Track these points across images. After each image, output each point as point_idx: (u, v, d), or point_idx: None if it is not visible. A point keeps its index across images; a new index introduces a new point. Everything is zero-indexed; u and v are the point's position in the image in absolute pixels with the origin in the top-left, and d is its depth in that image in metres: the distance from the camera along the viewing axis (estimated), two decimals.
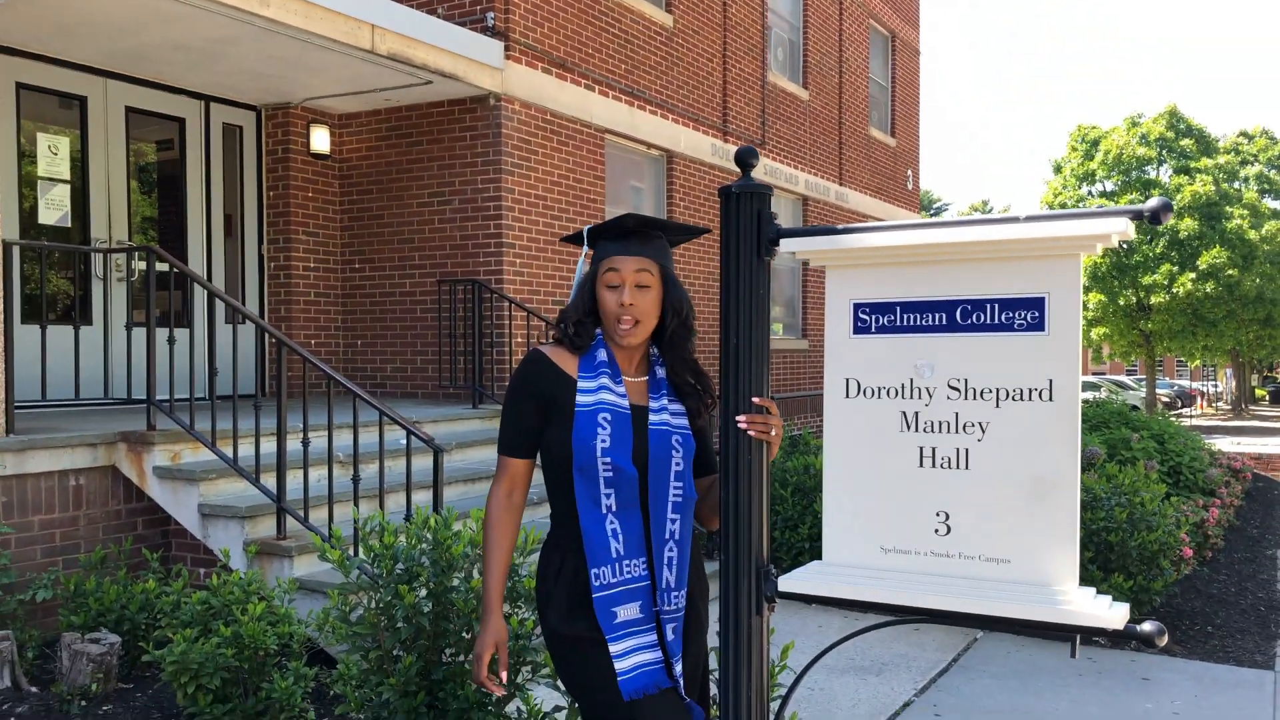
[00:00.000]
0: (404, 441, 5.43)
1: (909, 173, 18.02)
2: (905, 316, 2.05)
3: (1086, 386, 30.84)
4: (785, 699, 2.29)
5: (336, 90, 8.73)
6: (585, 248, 2.41)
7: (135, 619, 4.75)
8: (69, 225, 7.84)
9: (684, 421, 2.37)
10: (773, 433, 2.13)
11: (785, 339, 13.78)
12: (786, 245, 2.17)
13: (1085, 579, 5.73)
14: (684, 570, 2.32)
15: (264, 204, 9.27)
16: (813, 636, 5.63)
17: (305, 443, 5.37)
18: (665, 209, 11.19)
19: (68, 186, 7.84)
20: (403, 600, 3.52)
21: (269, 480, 5.36)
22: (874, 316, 2.09)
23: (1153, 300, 29.03)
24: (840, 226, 2.13)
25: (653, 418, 2.33)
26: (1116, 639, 1.94)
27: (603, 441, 2.26)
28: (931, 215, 47.46)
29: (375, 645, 3.61)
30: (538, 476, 2.40)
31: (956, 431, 2.00)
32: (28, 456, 5.38)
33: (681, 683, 2.30)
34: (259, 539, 5.28)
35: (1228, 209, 28.53)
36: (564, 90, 9.43)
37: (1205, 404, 43.68)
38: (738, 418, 2.13)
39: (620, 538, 2.27)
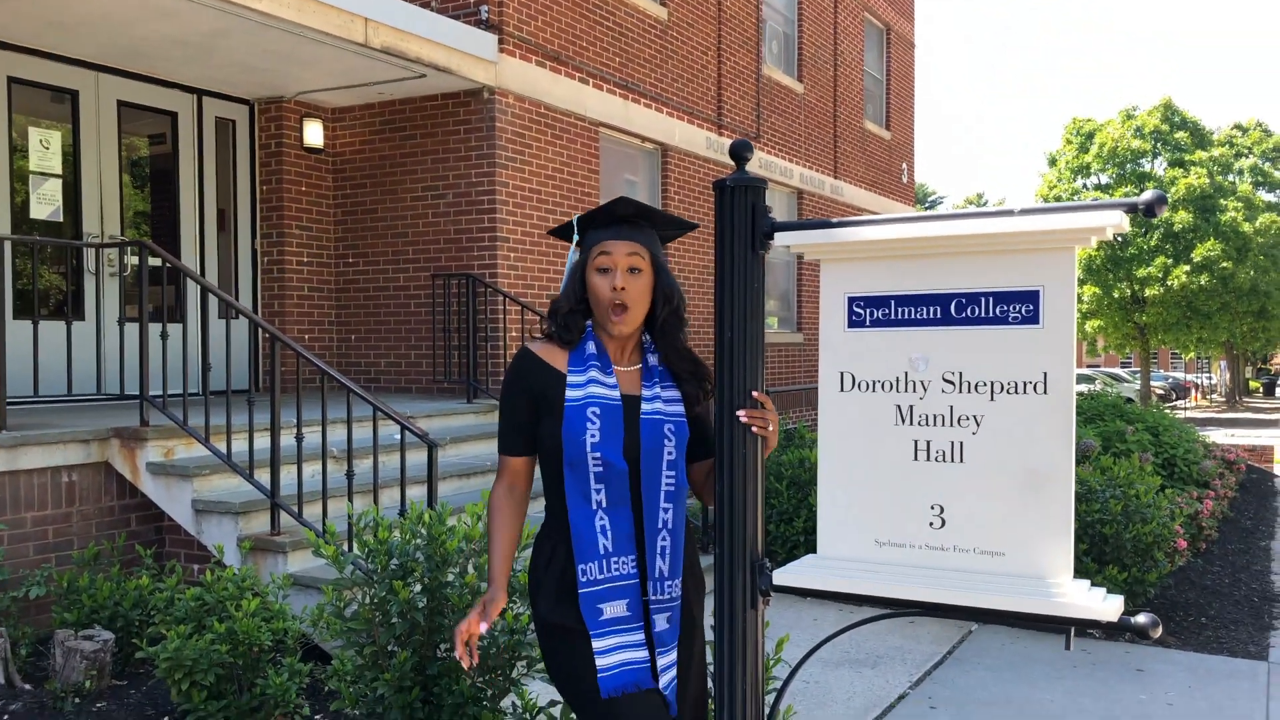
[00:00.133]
0: (398, 436, 5.43)
1: (904, 166, 18.01)
2: (900, 310, 2.05)
3: (1081, 379, 30.88)
4: (780, 692, 2.29)
5: (330, 84, 8.70)
6: (575, 236, 2.40)
7: (129, 615, 4.73)
8: (61, 220, 7.81)
9: (678, 409, 2.36)
10: (770, 428, 2.13)
11: (780, 332, 13.78)
12: (781, 239, 2.17)
13: (1080, 571, 5.74)
14: (678, 560, 2.32)
15: (257, 198, 9.24)
16: (808, 630, 5.63)
17: (299, 438, 5.36)
18: (660, 202, 11.17)
19: (59, 181, 7.81)
20: (397, 596, 3.51)
21: (263, 476, 5.35)
22: (869, 310, 2.09)
23: (1147, 293, 29.09)
24: (835, 220, 2.12)
25: (645, 406, 2.33)
26: (1111, 631, 1.94)
27: (592, 436, 2.26)
28: (926, 209, 47.47)
29: (370, 641, 3.60)
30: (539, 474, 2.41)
31: (951, 425, 2.00)
32: (20, 453, 5.36)
33: (663, 682, 2.28)
34: (253, 535, 5.27)
35: (1222, 202, 28.59)
36: (558, 83, 9.40)
37: (1199, 396, 43.82)
38: (739, 412, 2.12)
39: (609, 534, 2.27)
